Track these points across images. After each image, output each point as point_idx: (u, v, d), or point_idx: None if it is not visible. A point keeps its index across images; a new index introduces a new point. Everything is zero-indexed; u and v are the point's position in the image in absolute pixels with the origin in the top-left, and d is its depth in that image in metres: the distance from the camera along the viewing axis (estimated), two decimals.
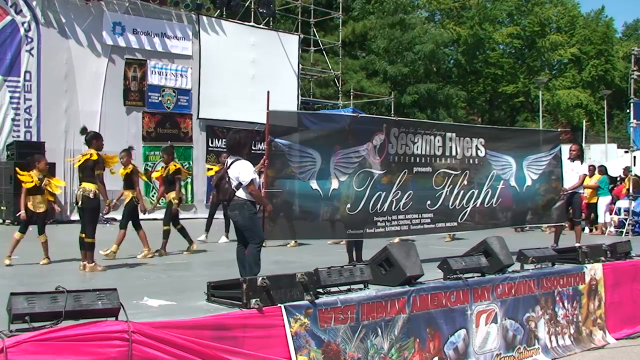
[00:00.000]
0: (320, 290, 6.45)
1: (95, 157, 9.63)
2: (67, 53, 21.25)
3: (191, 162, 24.05)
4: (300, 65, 28.61)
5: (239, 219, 8.10)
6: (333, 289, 6.58)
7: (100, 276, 9.21)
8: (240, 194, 7.99)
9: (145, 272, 9.77)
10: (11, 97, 20.19)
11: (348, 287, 6.71)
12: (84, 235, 9.65)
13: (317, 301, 6.18)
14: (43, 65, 20.72)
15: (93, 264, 9.57)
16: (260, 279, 5.94)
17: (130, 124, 22.76)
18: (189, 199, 23.74)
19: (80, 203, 9.63)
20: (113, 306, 5.05)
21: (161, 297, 6.89)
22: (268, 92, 8.44)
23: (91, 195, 9.54)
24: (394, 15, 40.44)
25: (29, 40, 20.57)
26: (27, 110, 20.46)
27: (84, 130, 10.11)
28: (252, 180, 7.94)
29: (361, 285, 6.83)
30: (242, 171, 7.98)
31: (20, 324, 4.82)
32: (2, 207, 18.40)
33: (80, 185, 9.76)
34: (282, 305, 5.93)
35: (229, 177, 8.05)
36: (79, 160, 9.82)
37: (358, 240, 10.10)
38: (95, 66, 21.88)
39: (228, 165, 8.17)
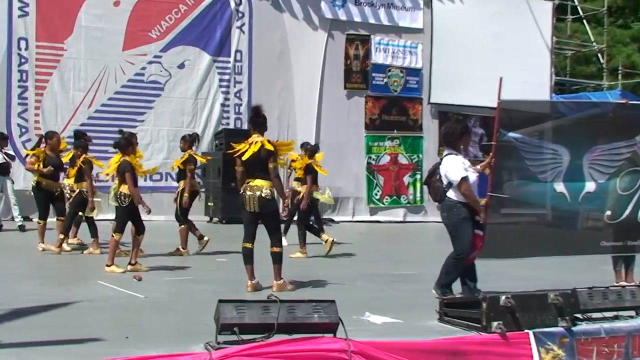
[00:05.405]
0: (579, 315, 6.25)
1: (270, 146, 8.93)
2: (281, 29, 21.86)
3: (421, 155, 24.02)
4: (554, 38, 27.71)
5: (447, 222, 8.35)
6: (595, 315, 6.35)
7: (315, 286, 9.50)
8: (451, 194, 8.19)
9: (367, 283, 9.94)
10: (220, 80, 21.15)
11: (615, 313, 6.45)
12: (249, 245, 9.07)
13: (574, 329, 6.01)
14: (255, 43, 21.54)
15: (282, 281, 9.02)
16: (503, 297, 5.86)
17: (350, 110, 23.01)
18: (417, 198, 23.76)
19: (253, 207, 8.87)
20: (331, 321, 5.18)
21: (385, 313, 6.99)
22: (501, 78, 8.30)
23: (269, 196, 8.87)
24: None
25: (240, 15, 21.40)
26: (238, 95, 21.40)
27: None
28: (462, 179, 8.04)
29: (632, 312, 6.53)
30: (450, 169, 8.17)
31: (228, 335, 5.08)
32: (209, 203, 19.49)
33: (250, 182, 8.94)
34: (531, 331, 5.81)
35: (439, 174, 8.14)
36: (249, 150, 8.93)
37: (628, 255, 9.64)
38: (313, 44, 22.35)
39: (440, 159, 8.36)
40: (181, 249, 12.43)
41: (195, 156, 12.74)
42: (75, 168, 12.49)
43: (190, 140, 12.88)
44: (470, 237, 8.20)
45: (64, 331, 6.36)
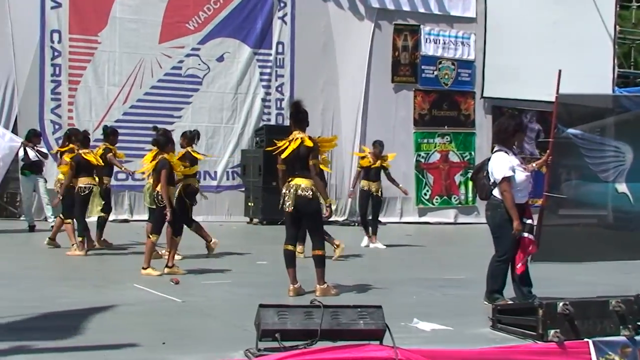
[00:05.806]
0: None
1: (309, 142, 8.92)
2: (325, 19, 21.80)
3: (473, 153, 23.86)
4: (617, 26, 27.35)
5: (489, 222, 8.46)
6: None
7: (360, 290, 9.53)
8: (497, 193, 8.22)
9: (415, 287, 9.95)
10: (261, 74, 21.18)
11: None
12: (291, 247, 9.10)
13: (637, 338, 5.96)
14: (297, 34, 21.52)
15: (325, 285, 9.01)
16: (561, 304, 5.83)
17: (398, 104, 22.91)
18: (469, 198, 23.61)
19: (292, 206, 8.87)
20: (377, 327, 5.20)
21: (435, 319, 6.99)
22: (559, 70, 8.27)
23: (309, 195, 8.88)
24: None
25: (282, 5, 21.39)
26: (279, 89, 21.44)
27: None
28: (504, 178, 8.06)
29: None
30: (495, 166, 8.20)
31: (269, 341, 5.11)
32: (249, 204, 19.59)
33: (290, 180, 8.96)
34: (590, 340, 5.77)
35: (487, 171, 8.23)
36: (288, 148, 8.97)
37: None
38: (359, 34, 22.26)
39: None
40: (209, 245, 12.58)
41: (193, 153, 12.77)
42: (67, 165, 12.68)
43: (189, 137, 12.96)
44: (513, 239, 8.18)
45: (99, 336, 6.47)
